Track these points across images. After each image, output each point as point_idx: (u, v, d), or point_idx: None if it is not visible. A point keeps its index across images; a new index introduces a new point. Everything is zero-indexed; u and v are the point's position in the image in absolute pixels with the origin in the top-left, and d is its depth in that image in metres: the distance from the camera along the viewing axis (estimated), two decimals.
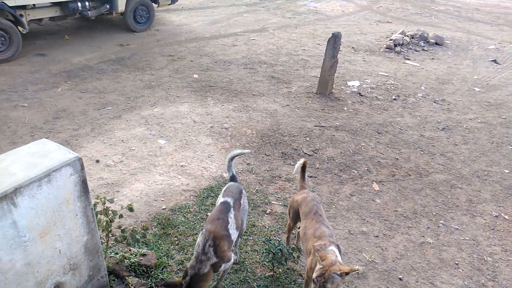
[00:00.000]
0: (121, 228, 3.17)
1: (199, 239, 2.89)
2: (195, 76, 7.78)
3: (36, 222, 2.25)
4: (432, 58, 9.76)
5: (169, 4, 10.95)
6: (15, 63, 7.76)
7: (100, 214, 2.98)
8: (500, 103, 7.54)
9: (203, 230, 2.93)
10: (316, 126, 6.21)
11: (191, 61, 8.53)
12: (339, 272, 2.52)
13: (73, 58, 8.25)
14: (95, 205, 2.83)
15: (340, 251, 2.86)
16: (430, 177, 5.25)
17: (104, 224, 2.99)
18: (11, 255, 2.18)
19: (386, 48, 10.08)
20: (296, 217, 3.43)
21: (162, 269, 3.41)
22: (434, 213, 4.60)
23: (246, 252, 3.75)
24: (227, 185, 3.48)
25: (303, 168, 3.70)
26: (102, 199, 2.94)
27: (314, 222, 3.14)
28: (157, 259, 3.45)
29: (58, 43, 9.04)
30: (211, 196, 4.48)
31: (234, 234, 3.02)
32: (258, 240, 3.90)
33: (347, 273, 2.56)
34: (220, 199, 3.25)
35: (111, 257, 3.31)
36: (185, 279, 2.78)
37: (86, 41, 9.32)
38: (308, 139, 5.84)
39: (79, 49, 8.79)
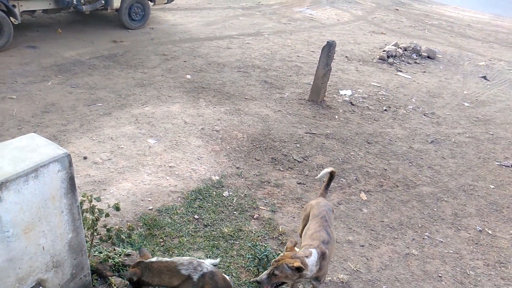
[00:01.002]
0: (107, 227, 3.13)
1: None
2: (188, 76, 7.75)
3: (21, 218, 2.21)
4: (424, 71, 9.88)
5: (165, 3, 10.90)
6: (5, 54, 7.63)
7: (86, 212, 2.94)
8: (488, 119, 7.66)
9: None
10: (307, 133, 6.23)
11: (185, 61, 8.49)
12: (290, 265, 2.65)
13: (65, 52, 8.15)
14: (81, 202, 2.79)
15: (322, 258, 2.86)
16: (417, 189, 5.30)
17: (90, 222, 2.95)
18: None
19: (379, 59, 10.19)
20: (307, 220, 3.41)
21: None
22: (420, 225, 4.64)
23: (232, 256, 3.73)
24: None
25: (331, 178, 3.68)
26: (89, 197, 2.90)
27: (317, 225, 3.16)
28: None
29: (50, 36, 8.92)
30: (198, 198, 4.45)
31: None
32: (244, 245, 3.89)
33: (297, 269, 2.65)
34: None
35: (95, 256, 3.26)
36: None
37: (79, 35, 9.22)
38: (298, 145, 5.85)
39: (71, 43, 8.69)
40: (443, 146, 6.50)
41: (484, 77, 9.90)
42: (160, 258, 2.83)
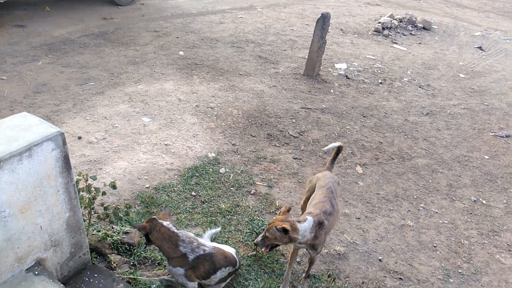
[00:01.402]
0: (104, 205, 3.14)
1: None
2: (181, 53, 7.63)
3: (16, 197, 2.20)
4: (419, 43, 9.79)
5: None
6: None
7: (83, 191, 2.93)
8: (484, 90, 7.64)
9: None
10: (302, 108, 6.20)
11: (177, 37, 8.35)
12: (278, 227, 2.75)
13: (54, 31, 7.98)
14: (77, 182, 2.78)
15: (319, 227, 2.90)
16: (413, 161, 5.33)
17: (87, 201, 2.95)
18: None
19: (374, 31, 10.06)
20: (312, 191, 3.41)
21: (145, 247, 3.40)
22: (415, 197, 4.69)
23: (230, 231, 3.77)
24: None
25: (338, 152, 3.64)
26: (85, 176, 2.89)
27: (323, 196, 3.16)
28: (140, 237, 3.43)
29: (38, 15, 8.71)
30: (195, 175, 4.46)
31: None
32: (242, 220, 3.92)
33: (284, 231, 2.75)
34: None
35: (93, 234, 3.28)
36: None
37: (67, 13, 9.00)
38: (294, 120, 5.83)
39: (60, 21, 8.50)
40: (438, 118, 6.50)
41: (480, 48, 9.82)
42: (171, 225, 2.79)
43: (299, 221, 2.87)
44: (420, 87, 7.48)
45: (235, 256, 3.09)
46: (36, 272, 2.46)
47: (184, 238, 2.79)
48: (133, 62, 7.07)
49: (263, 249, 2.93)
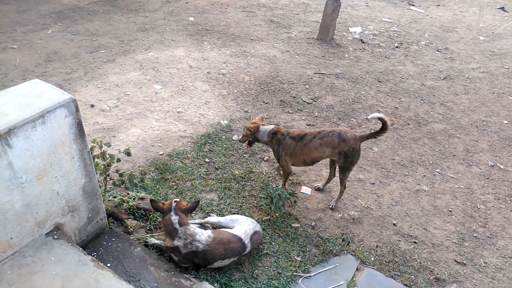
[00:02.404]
0: (119, 172, 3.16)
1: None
2: (191, 19, 7.48)
3: (32, 164, 2.21)
4: (438, 5, 9.40)
5: None
6: (0, 2, 7.38)
7: (97, 158, 2.95)
8: (504, 53, 7.37)
9: None
10: (316, 73, 6.07)
11: (187, 3, 8.16)
12: (248, 126, 3.73)
13: None
14: (92, 149, 2.79)
15: (274, 135, 3.65)
16: (429, 126, 5.23)
17: (102, 168, 2.97)
18: (9, 196, 2.16)
19: None
20: None
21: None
22: (431, 162, 4.62)
23: (244, 197, 3.79)
24: None
25: (383, 129, 3.49)
26: (99, 143, 2.89)
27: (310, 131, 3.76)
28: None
29: None
30: (208, 142, 4.45)
31: None
32: (256, 186, 3.93)
33: (248, 129, 3.70)
34: None
35: (109, 200, 3.33)
36: None
37: None
38: (307, 86, 5.73)
39: None
40: (456, 82, 6.32)
41: (502, 8, 9.39)
42: (176, 221, 2.92)
43: (263, 125, 3.75)
44: (437, 51, 7.24)
45: (244, 242, 2.99)
46: (56, 237, 2.51)
47: (181, 235, 2.88)
48: (142, 28, 6.96)
49: (245, 145, 3.98)
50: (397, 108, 5.50)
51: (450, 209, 4.02)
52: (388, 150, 4.72)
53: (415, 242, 3.59)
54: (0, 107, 2.17)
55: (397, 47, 7.19)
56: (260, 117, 3.90)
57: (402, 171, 4.43)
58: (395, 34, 7.65)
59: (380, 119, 3.43)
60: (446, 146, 4.91)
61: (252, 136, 3.76)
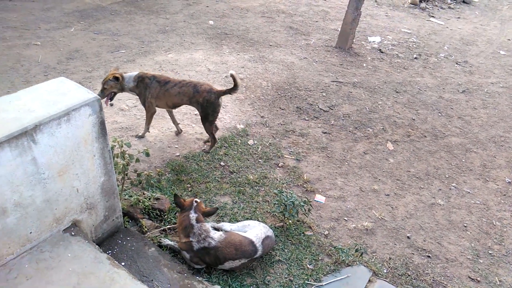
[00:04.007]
0: (137, 172, 3.19)
1: None
2: (211, 22, 7.54)
3: (55, 160, 2.26)
4: (458, 17, 9.32)
5: None
6: (27, 0, 7.55)
7: (117, 157, 2.99)
8: None
9: None
10: (333, 81, 6.07)
11: (207, 6, 8.23)
12: (111, 78, 3.89)
13: None
14: (112, 147, 2.83)
15: (141, 80, 4.01)
16: (446, 139, 5.17)
17: (121, 167, 3.01)
18: (31, 191, 2.21)
19: (410, 3, 9.63)
20: None
21: (175, 213, 3.47)
22: (447, 176, 4.57)
23: (258, 202, 3.79)
24: None
25: None
26: (119, 143, 2.93)
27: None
28: (170, 203, 3.50)
29: None
30: (224, 146, 4.47)
31: None
32: (270, 191, 3.93)
33: (115, 78, 3.90)
34: None
35: (125, 199, 3.36)
36: None
37: None
38: (324, 94, 5.73)
39: None
40: (475, 96, 6.25)
41: None
42: (194, 219, 2.99)
43: (125, 73, 3.99)
44: (457, 64, 7.17)
45: (256, 245, 3.00)
46: (73, 233, 2.55)
47: (196, 231, 2.95)
48: (163, 30, 7.04)
49: (105, 100, 3.95)
50: (414, 119, 5.46)
51: (465, 225, 3.97)
52: (404, 162, 4.69)
53: (428, 256, 3.55)
54: (27, 103, 2.22)
55: (415, 58, 7.15)
56: (114, 68, 4.13)
57: (417, 184, 4.39)
58: (414, 45, 7.61)
59: (232, 76, 3.91)
60: (463, 160, 4.86)
61: (117, 86, 3.97)
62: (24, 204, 2.21)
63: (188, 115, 4.91)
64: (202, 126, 4.15)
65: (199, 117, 4.15)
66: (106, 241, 2.92)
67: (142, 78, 4.02)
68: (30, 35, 6.37)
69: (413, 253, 3.56)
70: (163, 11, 7.81)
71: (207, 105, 3.99)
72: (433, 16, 9.17)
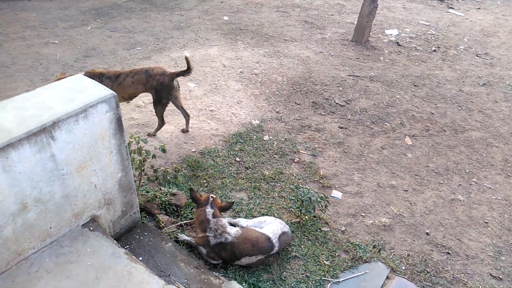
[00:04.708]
0: (154, 168, 3.21)
1: None
2: (225, 18, 7.53)
3: (73, 157, 2.28)
4: (479, 8, 9.09)
5: None
6: None
7: (134, 153, 3.01)
8: None
9: None
10: (349, 75, 5.99)
11: (222, 2, 8.22)
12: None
13: None
14: (129, 144, 2.85)
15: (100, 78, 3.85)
16: (466, 134, 5.06)
17: (138, 163, 3.03)
18: (51, 187, 2.24)
19: None
20: None
21: (191, 209, 3.48)
22: (467, 171, 4.47)
23: (273, 198, 3.78)
24: None
25: None
26: (136, 139, 2.95)
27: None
28: (187, 199, 3.51)
29: None
30: (239, 141, 4.46)
31: None
32: (286, 187, 3.91)
33: None
34: None
35: (142, 195, 3.39)
36: None
37: None
38: (340, 88, 5.66)
39: None
40: (496, 89, 6.09)
41: None
42: (210, 213, 3.01)
43: (71, 75, 3.54)
44: (477, 56, 6.99)
45: (272, 241, 2.99)
46: (91, 228, 2.58)
47: (212, 226, 2.96)
48: (178, 27, 7.06)
49: None
50: (433, 113, 5.35)
51: (486, 221, 3.88)
52: (423, 156, 4.60)
53: (448, 253, 3.48)
54: (46, 100, 2.25)
55: (434, 51, 7.00)
56: (61, 72, 4.01)
57: (436, 179, 4.31)
58: (433, 38, 7.45)
59: (186, 58, 3.94)
60: (484, 155, 4.74)
61: None
62: (44, 200, 2.25)
63: (203, 111, 4.92)
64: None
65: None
66: (123, 236, 2.95)
67: (90, 76, 3.63)
68: (48, 33, 6.47)
69: (432, 250, 3.49)
70: (178, 7, 7.83)
71: (161, 88, 4.03)
72: (452, 8, 8.96)
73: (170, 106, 4.80)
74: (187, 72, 4.05)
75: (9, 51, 5.88)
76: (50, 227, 2.38)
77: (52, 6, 7.44)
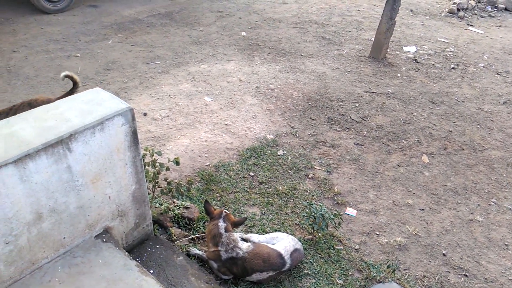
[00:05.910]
0: (167, 180, 3.24)
1: None
2: (243, 33, 7.62)
3: (89, 168, 2.32)
4: (499, 26, 8.98)
5: None
6: (69, 14, 7.92)
7: (148, 166, 3.04)
8: None
9: None
10: (366, 91, 5.96)
11: (240, 18, 8.34)
12: None
13: (124, 11, 8.29)
14: (143, 156, 2.88)
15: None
16: (485, 153, 4.95)
17: (151, 175, 3.06)
18: (66, 197, 2.28)
19: (448, 12, 9.37)
20: None
21: (204, 222, 3.48)
22: (486, 191, 4.36)
23: (287, 214, 3.75)
24: None
25: None
26: (151, 151, 2.99)
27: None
28: (200, 212, 3.52)
29: None
30: (253, 156, 4.47)
31: None
32: (299, 203, 3.88)
33: None
34: None
35: (156, 207, 3.41)
36: None
37: None
38: (357, 105, 5.63)
39: (130, 1, 8.81)
40: None
41: None
42: (223, 228, 3.00)
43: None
44: (497, 74, 6.88)
45: (284, 257, 2.96)
46: (104, 239, 2.61)
47: (224, 240, 2.95)
48: (196, 42, 7.18)
49: None
50: (451, 131, 5.26)
51: (506, 243, 3.76)
52: (440, 175, 4.51)
53: (465, 275, 3.38)
54: (64, 112, 2.30)
55: (453, 68, 6.92)
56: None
57: (454, 199, 4.21)
58: (452, 55, 7.38)
59: (69, 77, 3.77)
60: (504, 175, 4.62)
61: None
62: (59, 210, 2.28)
63: (218, 125, 4.96)
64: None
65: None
66: (136, 248, 2.96)
67: None
68: (71, 47, 6.66)
69: (449, 271, 3.40)
70: (197, 23, 7.97)
71: None
72: (471, 25, 8.88)
73: (186, 120, 4.86)
74: (74, 89, 3.82)
75: (33, 64, 6.07)
76: (64, 237, 2.41)
77: (76, 20, 7.67)
